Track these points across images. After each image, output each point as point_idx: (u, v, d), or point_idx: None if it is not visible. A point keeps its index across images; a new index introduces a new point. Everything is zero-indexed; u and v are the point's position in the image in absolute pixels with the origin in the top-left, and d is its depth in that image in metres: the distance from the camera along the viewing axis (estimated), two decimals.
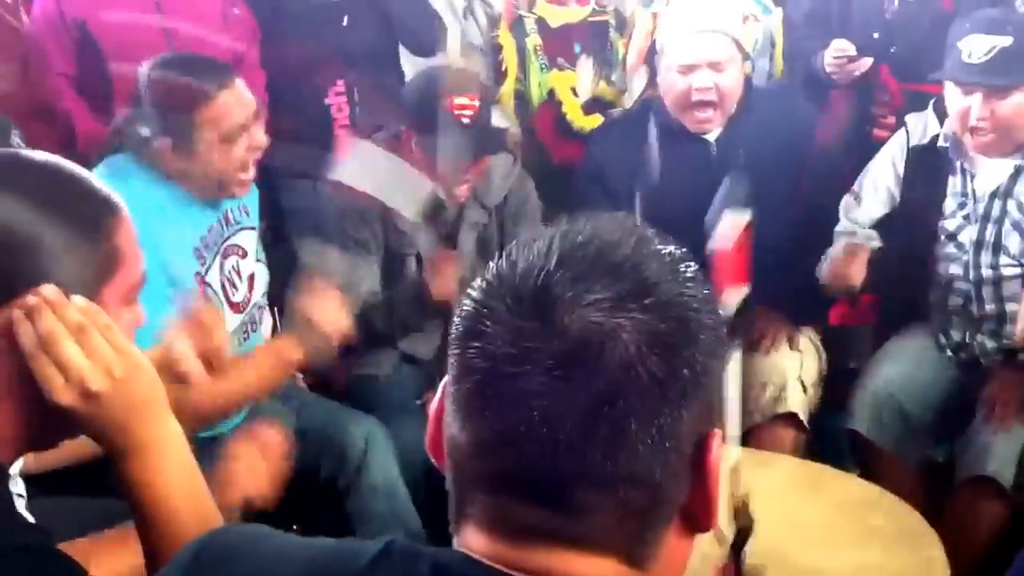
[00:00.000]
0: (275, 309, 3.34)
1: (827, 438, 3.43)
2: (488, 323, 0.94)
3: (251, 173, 2.79)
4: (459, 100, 3.15)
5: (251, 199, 3.00)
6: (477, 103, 3.18)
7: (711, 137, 3.51)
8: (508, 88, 4.05)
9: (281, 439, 2.18)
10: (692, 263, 0.99)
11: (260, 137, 2.77)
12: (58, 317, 1.32)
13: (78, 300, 1.34)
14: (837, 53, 3.74)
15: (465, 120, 3.15)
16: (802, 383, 3.39)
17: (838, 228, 3.47)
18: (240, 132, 2.71)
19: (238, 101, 2.72)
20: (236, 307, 2.90)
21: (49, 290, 1.32)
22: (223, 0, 3.73)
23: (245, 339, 2.93)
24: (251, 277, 2.97)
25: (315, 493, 2.94)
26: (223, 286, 2.86)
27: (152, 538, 1.43)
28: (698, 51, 3.40)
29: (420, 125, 3.20)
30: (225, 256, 2.87)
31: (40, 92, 3.45)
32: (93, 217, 1.38)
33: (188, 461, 1.46)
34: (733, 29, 3.48)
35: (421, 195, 3.11)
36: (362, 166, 3.06)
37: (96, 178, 1.43)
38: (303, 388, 3.27)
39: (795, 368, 3.41)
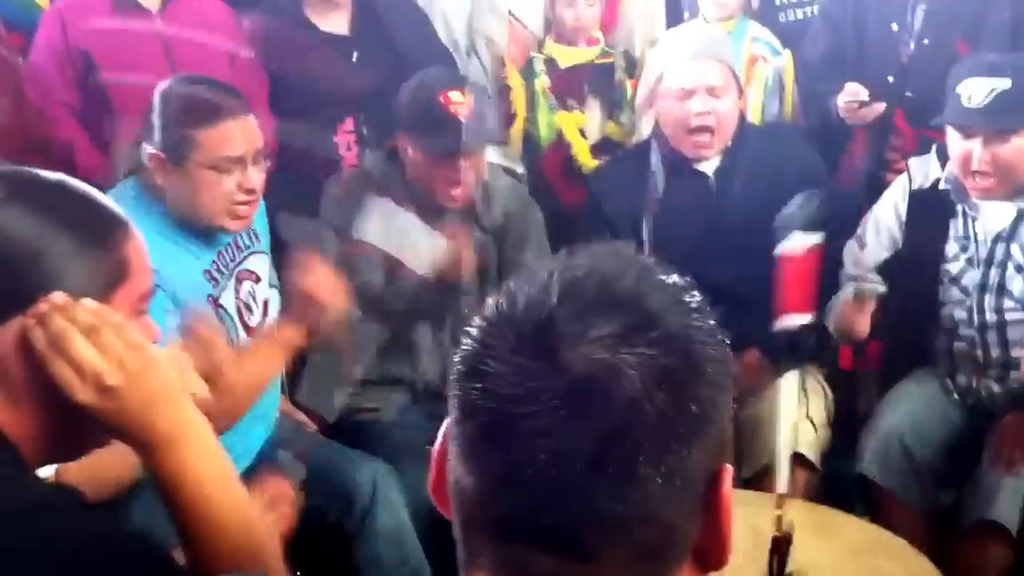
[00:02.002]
0: None
1: (836, 482, 3.41)
2: (491, 362, 0.92)
3: (246, 211, 2.74)
4: (453, 95, 3.16)
5: (261, 224, 2.98)
6: (471, 98, 3.19)
7: (709, 170, 3.52)
8: (517, 129, 4.07)
9: (289, 490, 2.15)
10: (695, 293, 0.97)
11: (253, 178, 2.71)
12: (68, 320, 1.35)
13: (87, 302, 1.37)
14: (850, 97, 3.73)
15: (459, 116, 3.15)
16: (812, 422, 3.38)
17: (845, 271, 3.47)
18: (234, 166, 2.67)
19: (243, 134, 2.69)
20: (251, 331, 2.88)
21: (58, 295, 1.36)
22: (230, 40, 3.74)
23: None
24: (266, 303, 2.96)
25: (321, 539, 2.90)
26: (239, 310, 2.85)
27: (190, 531, 1.44)
28: (696, 76, 3.43)
29: (413, 124, 3.21)
30: (240, 281, 2.86)
31: (39, 123, 3.45)
32: (99, 229, 1.42)
33: (216, 451, 1.47)
34: (729, 57, 3.54)
35: (435, 252, 3.12)
36: (380, 224, 3.09)
37: (101, 194, 1.47)
38: (309, 431, 3.25)
39: (803, 408, 3.39)
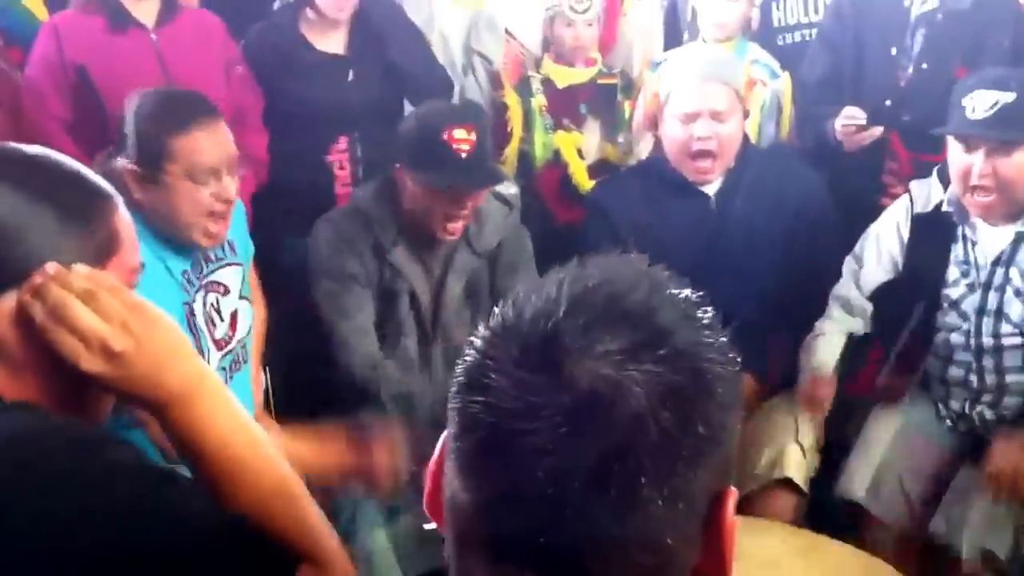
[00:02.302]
0: (267, 369, 3.28)
1: (824, 508, 3.38)
2: (493, 375, 0.89)
3: (219, 227, 2.71)
4: (458, 133, 3.11)
5: (239, 234, 2.96)
6: (475, 136, 3.13)
7: (710, 191, 3.51)
8: (512, 148, 4.07)
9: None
10: (707, 309, 0.95)
11: (229, 189, 2.68)
12: (64, 289, 1.33)
13: (80, 268, 1.36)
14: (847, 120, 3.71)
15: (463, 153, 3.11)
16: (800, 446, 3.35)
17: (835, 290, 3.45)
18: (208, 175, 2.65)
19: (214, 142, 2.66)
20: (219, 344, 2.85)
21: (50, 266, 1.34)
22: (226, 57, 3.74)
23: (229, 380, 2.88)
24: (233, 314, 2.91)
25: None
26: (206, 322, 2.81)
27: (216, 483, 1.42)
28: (700, 99, 3.42)
29: (415, 159, 3.16)
30: (207, 292, 2.82)
31: (32, 137, 3.45)
32: (86, 201, 1.41)
33: (230, 400, 1.45)
34: (735, 80, 3.52)
35: None
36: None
37: (87, 169, 1.46)
38: None
39: (791, 432, 3.37)
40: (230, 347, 2.90)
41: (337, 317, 3.22)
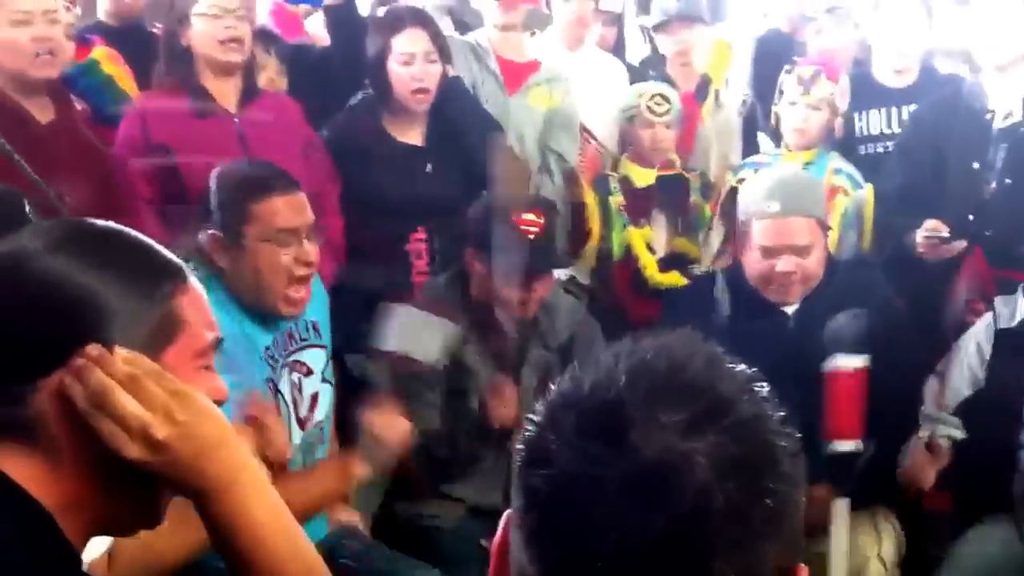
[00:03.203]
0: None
1: None
2: (554, 447, 0.87)
3: (302, 293, 2.73)
4: (527, 216, 3.19)
5: (323, 317, 2.98)
6: (544, 221, 3.21)
7: (789, 309, 3.41)
8: (592, 246, 4.07)
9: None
10: (765, 384, 0.92)
11: (309, 252, 2.72)
12: (106, 372, 1.28)
13: (121, 352, 1.30)
14: (929, 233, 3.67)
15: (531, 235, 3.18)
16: (883, 562, 3.29)
17: (924, 410, 3.37)
18: (289, 238, 2.68)
19: (293, 207, 2.71)
20: (301, 423, 2.87)
21: (92, 348, 1.28)
22: (305, 143, 3.77)
23: (309, 461, 2.88)
24: (314, 396, 2.93)
25: None
26: (291, 400, 2.84)
27: None
28: (782, 235, 3.28)
29: (484, 241, 3.22)
30: (291, 371, 2.85)
31: (120, 214, 3.43)
32: (151, 280, 1.35)
33: (270, 493, 1.41)
34: (817, 209, 3.38)
35: (445, 338, 3.10)
36: (396, 329, 3.05)
37: (158, 247, 1.41)
38: (365, 535, 3.18)
39: (874, 547, 3.31)
40: (309, 428, 2.91)
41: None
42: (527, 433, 0.91)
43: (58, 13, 3.34)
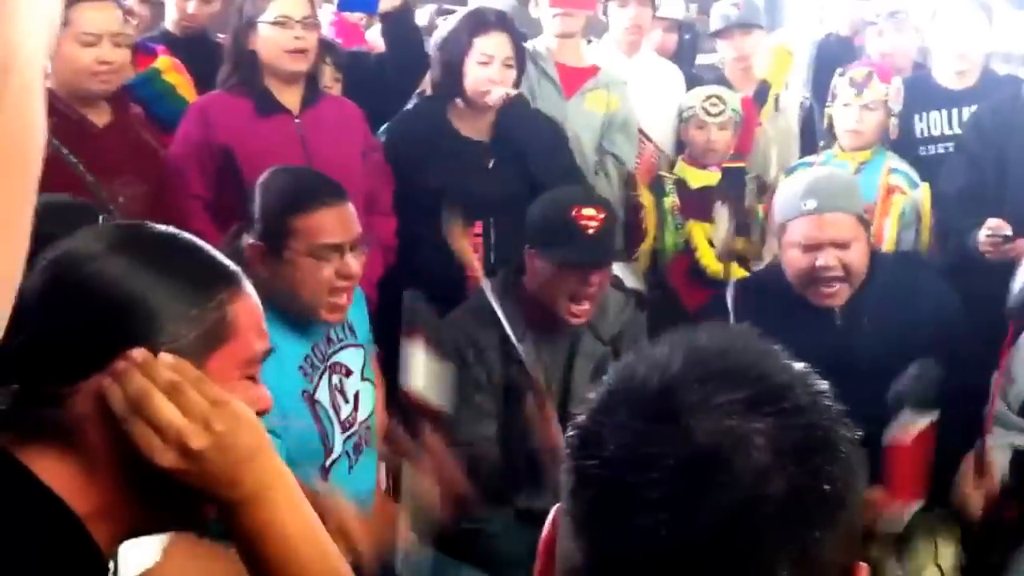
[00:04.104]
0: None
1: None
2: (606, 430, 0.85)
3: (343, 300, 2.70)
4: (586, 211, 3.18)
5: (359, 317, 2.95)
6: (603, 216, 3.20)
7: (835, 307, 3.35)
8: (647, 247, 4.09)
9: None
10: (821, 379, 0.90)
11: (352, 265, 2.68)
12: (148, 377, 1.27)
13: (165, 357, 1.29)
14: (992, 231, 3.64)
15: (591, 230, 3.16)
16: (940, 569, 3.22)
17: (996, 411, 3.30)
18: (331, 253, 2.65)
19: (338, 220, 2.67)
20: (343, 425, 2.84)
21: (136, 352, 1.27)
22: (364, 143, 3.81)
23: (356, 460, 2.87)
24: (356, 395, 2.90)
25: None
26: (333, 404, 2.81)
27: None
28: (823, 230, 3.24)
29: (544, 237, 3.22)
30: (331, 373, 2.82)
31: (171, 215, 3.48)
32: (206, 285, 1.35)
33: (302, 506, 1.39)
34: (855, 206, 3.34)
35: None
36: (411, 369, 2.95)
37: (214, 252, 1.40)
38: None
39: (930, 554, 3.23)
40: (354, 429, 2.88)
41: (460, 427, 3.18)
42: (579, 418, 0.89)
43: (123, 37, 3.40)
